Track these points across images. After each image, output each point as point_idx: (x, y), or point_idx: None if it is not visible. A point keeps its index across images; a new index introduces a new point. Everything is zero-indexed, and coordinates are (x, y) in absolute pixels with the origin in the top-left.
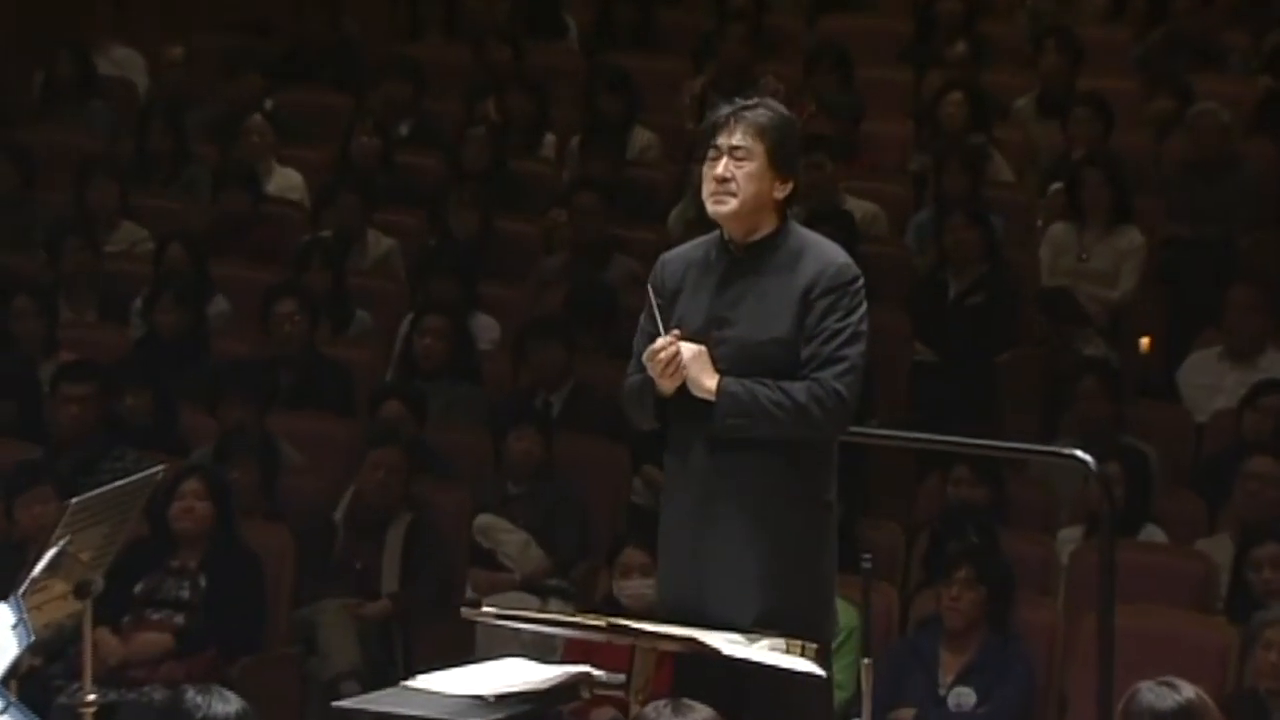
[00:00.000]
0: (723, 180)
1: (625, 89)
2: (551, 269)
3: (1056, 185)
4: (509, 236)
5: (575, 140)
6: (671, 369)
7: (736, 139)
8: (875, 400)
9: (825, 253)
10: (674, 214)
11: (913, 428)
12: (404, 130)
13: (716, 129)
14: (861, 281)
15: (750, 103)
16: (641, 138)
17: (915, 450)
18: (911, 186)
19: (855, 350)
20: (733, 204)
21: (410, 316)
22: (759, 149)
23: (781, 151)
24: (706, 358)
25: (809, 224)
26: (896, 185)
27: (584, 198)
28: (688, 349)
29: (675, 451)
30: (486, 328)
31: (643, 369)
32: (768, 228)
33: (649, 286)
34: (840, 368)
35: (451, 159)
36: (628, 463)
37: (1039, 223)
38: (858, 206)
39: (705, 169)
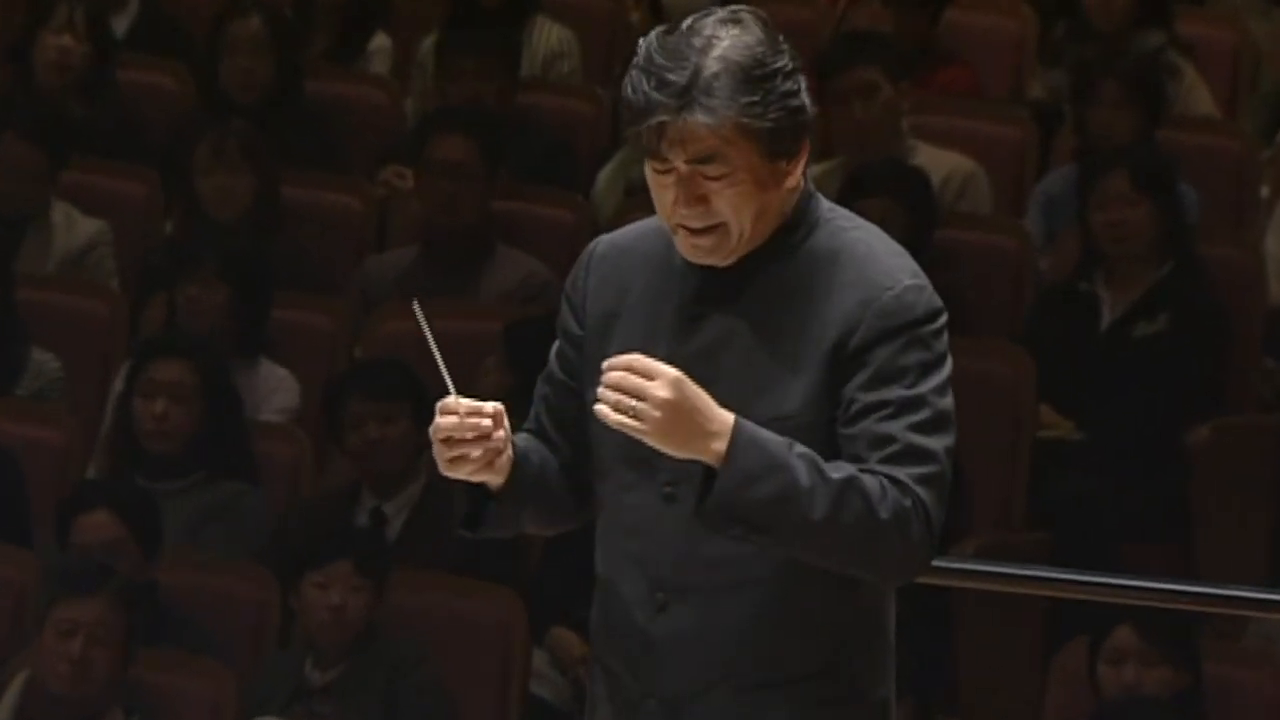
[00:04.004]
0: (692, 213)
1: None
2: (387, 272)
3: None
4: (311, 214)
5: (428, 41)
6: (461, 452)
7: (699, 148)
8: (969, 509)
9: (874, 264)
10: (604, 175)
11: (1039, 558)
12: (120, 26)
13: (661, 136)
14: (944, 319)
15: (692, 70)
16: (547, 37)
17: (1042, 600)
18: (1035, 126)
19: (941, 442)
20: (722, 246)
21: (130, 362)
22: (743, 152)
23: (779, 130)
24: (694, 392)
25: (845, 199)
26: (1008, 124)
27: (445, 146)
28: (663, 380)
29: (606, 603)
30: (272, 383)
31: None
32: (773, 224)
33: (564, 295)
34: (921, 470)
35: (203, 77)
36: (524, 622)
37: (1264, 192)
38: (938, 161)
39: (652, 184)
